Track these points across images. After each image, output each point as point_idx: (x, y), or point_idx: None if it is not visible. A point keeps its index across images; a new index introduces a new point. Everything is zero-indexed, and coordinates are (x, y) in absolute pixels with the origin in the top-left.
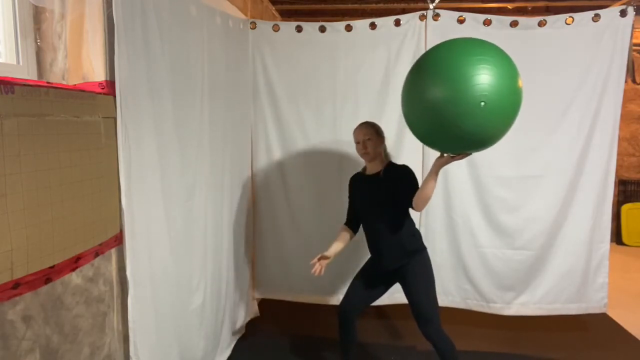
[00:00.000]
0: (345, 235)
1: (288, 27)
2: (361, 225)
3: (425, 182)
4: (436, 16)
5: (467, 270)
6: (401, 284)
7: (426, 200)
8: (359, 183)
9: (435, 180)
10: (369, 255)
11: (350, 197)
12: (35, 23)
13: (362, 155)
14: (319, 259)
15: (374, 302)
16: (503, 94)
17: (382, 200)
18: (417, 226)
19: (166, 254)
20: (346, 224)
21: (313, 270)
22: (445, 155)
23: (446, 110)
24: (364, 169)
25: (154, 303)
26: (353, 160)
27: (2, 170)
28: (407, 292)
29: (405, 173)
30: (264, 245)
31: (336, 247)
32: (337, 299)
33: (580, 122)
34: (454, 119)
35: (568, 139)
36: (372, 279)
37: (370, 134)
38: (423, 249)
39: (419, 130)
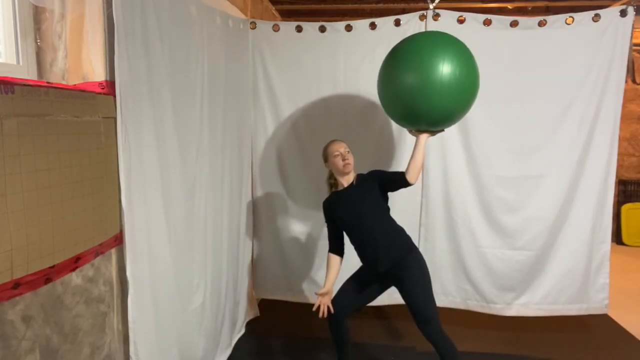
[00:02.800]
0: (335, 262)
1: (288, 27)
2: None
3: (413, 153)
4: (436, 16)
5: (468, 270)
6: (398, 287)
7: (419, 168)
8: (338, 200)
9: (423, 152)
10: None
11: (330, 220)
12: (35, 23)
13: (344, 166)
14: (321, 299)
15: (368, 304)
16: (463, 80)
17: (366, 204)
18: (417, 226)
19: (166, 254)
20: (331, 250)
21: (321, 315)
22: (414, 131)
23: (416, 95)
24: (335, 187)
25: (154, 303)
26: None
27: (2, 170)
28: (405, 294)
29: (375, 171)
30: (264, 245)
31: (332, 278)
32: None
33: (581, 122)
34: (424, 101)
35: (568, 139)
36: (364, 282)
37: (348, 147)
38: (415, 247)
39: (395, 114)
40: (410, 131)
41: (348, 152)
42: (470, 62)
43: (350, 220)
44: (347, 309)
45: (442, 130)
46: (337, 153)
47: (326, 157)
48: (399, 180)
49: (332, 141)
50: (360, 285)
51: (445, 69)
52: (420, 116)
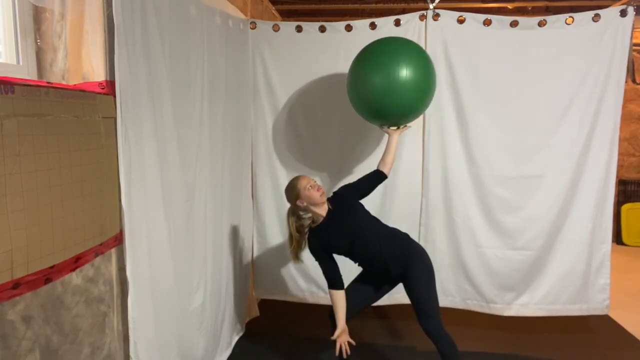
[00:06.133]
0: (341, 298)
1: (288, 27)
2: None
3: (388, 149)
4: (436, 16)
5: (467, 270)
6: (403, 281)
7: (393, 161)
8: (326, 231)
9: (395, 147)
10: None
11: (325, 256)
12: (35, 23)
13: (321, 195)
14: (339, 340)
15: (372, 304)
16: (420, 80)
17: (358, 221)
18: (417, 226)
19: (166, 254)
20: (333, 287)
21: (345, 356)
22: (385, 127)
23: (382, 95)
24: (313, 223)
25: (154, 303)
26: (353, 160)
27: (2, 170)
28: (409, 288)
29: (343, 189)
30: (264, 245)
31: (343, 315)
32: None
33: (581, 122)
34: (388, 100)
35: (568, 139)
36: (374, 283)
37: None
38: (415, 242)
39: (364, 111)
40: (381, 127)
41: (315, 181)
42: (430, 67)
43: (350, 243)
44: (351, 307)
45: (408, 126)
46: (309, 186)
47: (297, 194)
48: (376, 180)
49: (297, 178)
50: (370, 286)
51: (407, 71)
52: (389, 112)
